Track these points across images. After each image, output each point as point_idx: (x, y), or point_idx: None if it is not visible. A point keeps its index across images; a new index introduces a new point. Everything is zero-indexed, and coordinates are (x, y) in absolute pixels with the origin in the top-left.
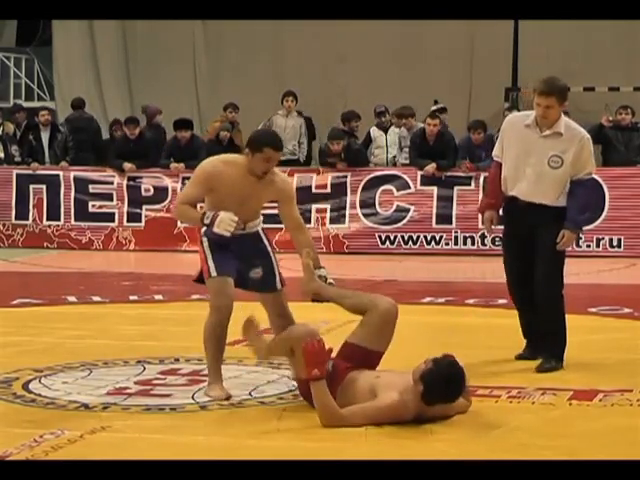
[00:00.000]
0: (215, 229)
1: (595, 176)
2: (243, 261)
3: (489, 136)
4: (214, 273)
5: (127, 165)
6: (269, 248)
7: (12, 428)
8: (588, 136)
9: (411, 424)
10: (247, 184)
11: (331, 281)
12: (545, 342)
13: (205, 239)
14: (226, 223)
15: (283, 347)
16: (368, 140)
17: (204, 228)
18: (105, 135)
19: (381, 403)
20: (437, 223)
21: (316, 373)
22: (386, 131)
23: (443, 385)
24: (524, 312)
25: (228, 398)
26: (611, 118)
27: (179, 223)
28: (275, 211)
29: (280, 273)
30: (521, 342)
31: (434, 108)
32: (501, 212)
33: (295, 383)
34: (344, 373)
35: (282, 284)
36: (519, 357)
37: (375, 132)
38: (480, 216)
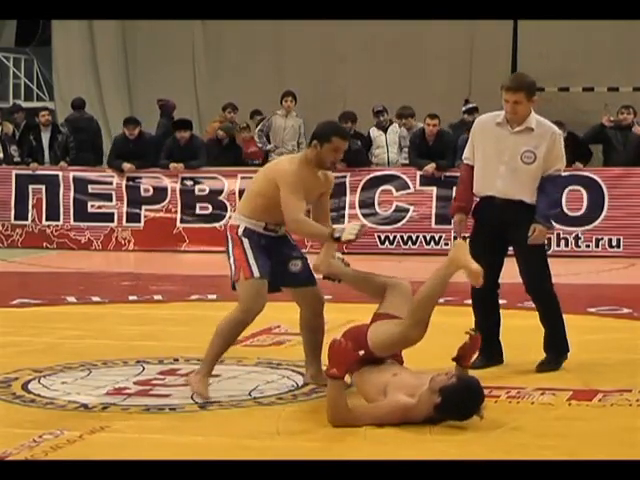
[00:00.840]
0: (345, 238)
1: (563, 174)
2: (280, 258)
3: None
4: (257, 274)
5: (126, 165)
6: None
7: (11, 428)
8: (560, 132)
9: (411, 424)
10: (311, 178)
11: (347, 264)
12: (545, 341)
13: (246, 240)
14: (351, 230)
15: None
16: (369, 141)
17: (242, 229)
18: (104, 137)
19: (391, 406)
20: (436, 223)
21: (334, 372)
22: (385, 130)
23: (460, 405)
24: (485, 314)
25: (206, 400)
26: (612, 118)
27: (178, 223)
28: None
29: None
30: (521, 342)
31: (465, 108)
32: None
33: (294, 384)
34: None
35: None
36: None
37: (374, 132)
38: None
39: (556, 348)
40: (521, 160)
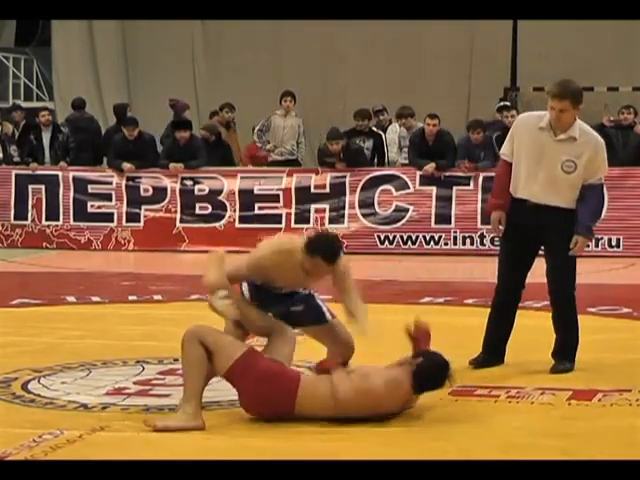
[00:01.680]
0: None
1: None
2: (281, 303)
3: (488, 136)
4: (246, 293)
5: (126, 165)
6: (309, 291)
7: (11, 428)
8: (602, 141)
9: (411, 424)
10: (294, 274)
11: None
12: (557, 343)
13: (245, 286)
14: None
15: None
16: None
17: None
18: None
19: (385, 377)
20: (436, 223)
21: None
22: (384, 130)
23: (435, 365)
24: (500, 318)
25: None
26: (612, 118)
27: (178, 223)
28: (274, 211)
29: (329, 308)
30: (521, 342)
31: (500, 105)
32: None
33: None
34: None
35: (332, 315)
36: (473, 362)
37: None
38: (479, 216)
39: (571, 349)
40: (561, 169)
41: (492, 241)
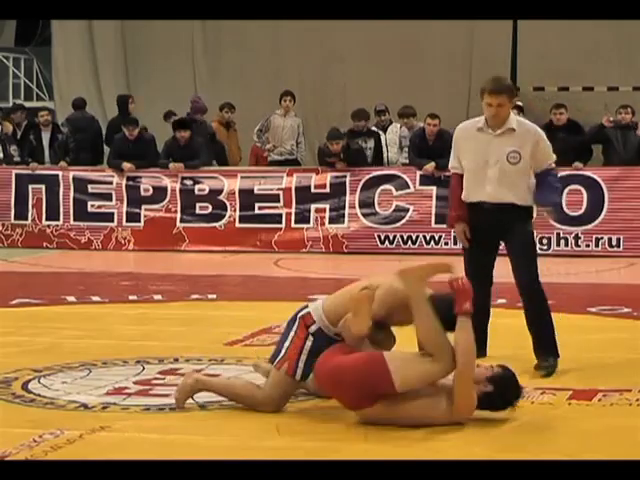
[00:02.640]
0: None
1: (561, 173)
2: None
3: None
4: (298, 377)
5: (126, 165)
6: None
7: (11, 428)
8: (540, 130)
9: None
10: None
11: None
12: (538, 341)
13: (311, 341)
14: None
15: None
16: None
17: (315, 327)
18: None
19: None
20: (436, 223)
21: (467, 307)
22: (385, 130)
23: (511, 391)
24: (476, 313)
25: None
26: (612, 118)
27: (178, 223)
28: (274, 211)
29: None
30: (520, 341)
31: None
32: None
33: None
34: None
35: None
36: None
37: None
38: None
39: (551, 349)
40: (507, 161)
41: None
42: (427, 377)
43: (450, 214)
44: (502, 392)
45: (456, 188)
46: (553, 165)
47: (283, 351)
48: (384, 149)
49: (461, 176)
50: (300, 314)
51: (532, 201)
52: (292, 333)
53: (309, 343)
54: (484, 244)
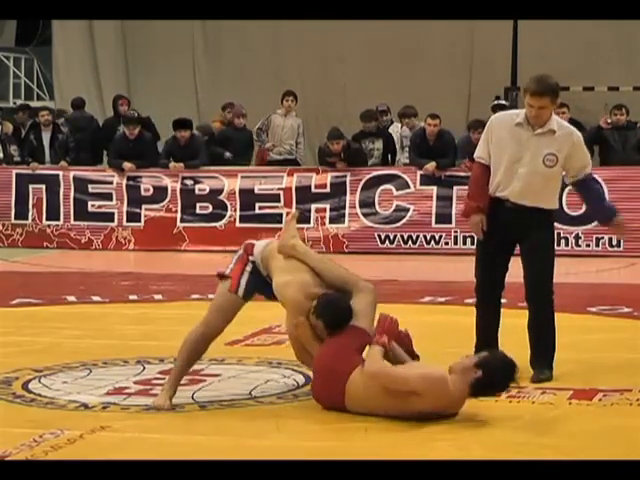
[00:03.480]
0: None
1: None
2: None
3: None
4: (240, 293)
5: (127, 165)
6: None
7: (12, 428)
8: (580, 134)
9: (411, 424)
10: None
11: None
12: (534, 348)
13: (250, 267)
14: None
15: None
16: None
17: (254, 262)
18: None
19: (432, 372)
20: (437, 223)
21: (383, 341)
22: (386, 130)
23: (503, 372)
24: (486, 315)
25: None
26: (609, 120)
27: (178, 222)
28: (275, 211)
29: None
30: (521, 342)
31: (495, 103)
32: None
33: (294, 383)
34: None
35: None
36: None
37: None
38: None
39: (550, 356)
40: (543, 163)
41: None
42: (369, 308)
43: (469, 204)
44: (492, 374)
45: (480, 178)
46: (591, 174)
47: (228, 270)
48: (397, 150)
49: (486, 167)
50: (246, 242)
51: (555, 207)
52: (236, 256)
53: (249, 268)
54: (499, 243)
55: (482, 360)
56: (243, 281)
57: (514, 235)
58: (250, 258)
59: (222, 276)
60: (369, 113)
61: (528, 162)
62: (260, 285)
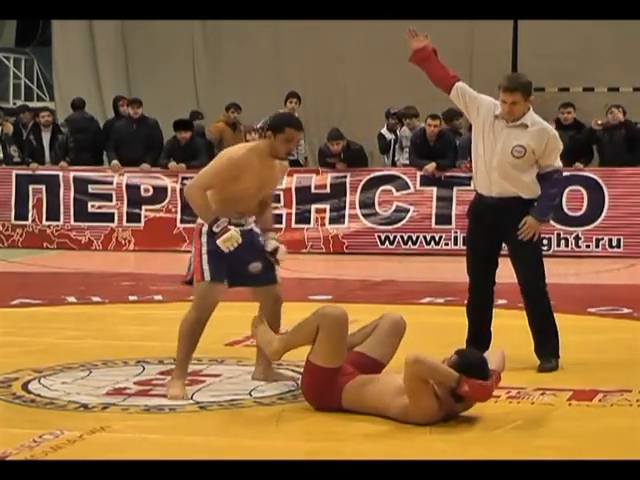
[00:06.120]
0: (219, 241)
1: (564, 173)
2: (240, 261)
3: None
4: (207, 278)
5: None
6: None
7: (11, 428)
8: (554, 132)
9: (411, 424)
10: (267, 168)
11: (282, 249)
12: (540, 341)
13: (205, 242)
14: (232, 241)
15: (306, 330)
16: (383, 141)
17: (206, 229)
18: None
19: (423, 406)
20: (436, 223)
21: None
22: (395, 133)
23: (478, 357)
24: (479, 313)
25: (186, 398)
26: (600, 122)
27: (178, 223)
28: (275, 211)
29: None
30: (521, 341)
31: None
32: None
33: (294, 384)
34: (351, 376)
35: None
36: None
37: (387, 134)
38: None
39: (554, 346)
40: (511, 153)
41: None
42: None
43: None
44: (470, 358)
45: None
46: (556, 169)
47: (190, 268)
48: (397, 150)
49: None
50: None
51: (536, 195)
52: (193, 249)
53: (204, 246)
54: (485, 240)
55: (458, 352)
56: (205, 265)
57: (500, 231)
58: (202, 232)
59: (189, 282)
60: (335, 133)
61: (499, 152)
62: (224, 256)
